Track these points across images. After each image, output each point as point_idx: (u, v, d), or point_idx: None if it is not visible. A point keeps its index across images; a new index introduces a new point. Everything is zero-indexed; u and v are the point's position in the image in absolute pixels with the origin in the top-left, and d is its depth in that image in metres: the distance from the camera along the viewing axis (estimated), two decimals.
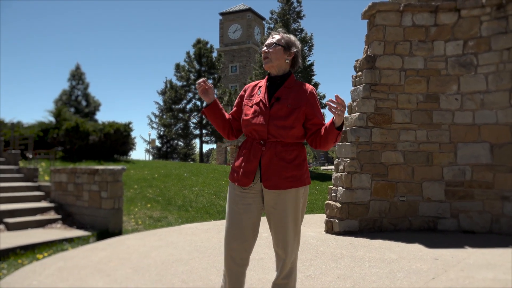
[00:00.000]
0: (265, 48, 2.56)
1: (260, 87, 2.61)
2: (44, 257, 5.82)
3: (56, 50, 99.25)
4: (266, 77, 2.65)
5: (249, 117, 2.52)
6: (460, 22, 6.34)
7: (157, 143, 42.64)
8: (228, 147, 47.96)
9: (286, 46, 2.56)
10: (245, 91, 2.69)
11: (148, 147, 43.75)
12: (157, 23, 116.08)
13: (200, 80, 2.55)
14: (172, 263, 4.33)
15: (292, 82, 2.57)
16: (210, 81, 32.81)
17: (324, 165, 53.60)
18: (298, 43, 2.63)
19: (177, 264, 4.30)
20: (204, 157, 35.63)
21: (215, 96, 2.62)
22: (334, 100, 2.27)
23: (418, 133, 6.34)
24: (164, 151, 42.77)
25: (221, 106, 2.63)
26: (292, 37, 2.63)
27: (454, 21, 6.37)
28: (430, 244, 5.24)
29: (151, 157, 43.28)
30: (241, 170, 2.50)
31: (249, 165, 2.47)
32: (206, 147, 58.54)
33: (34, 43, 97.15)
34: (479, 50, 6.25)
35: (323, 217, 7.23)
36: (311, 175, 19.33)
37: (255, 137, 2.50)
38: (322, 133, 2.45)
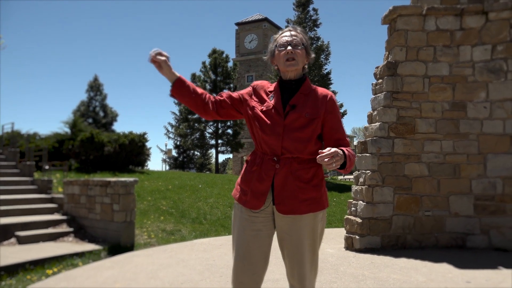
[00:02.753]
0: (290, 47, 2.15)
1: (271, 91, 2.24)
2: (54, 273, 5.62)
3: (73, 62, 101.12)
4: (278, 81, 2.28)
5: (259, 127, 2.15)
6: (488, 25, 5.96)
7: (174, 153, 42.81)
8: (244, 157, 47.78)
9: (306, 48, 2.22)
10: (254, 89, 2.29)
11: (164, 157, 43.94)
12: (173, 33, 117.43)
13: (151, 52, 2.18)
14: (181, 285, 4.04)
15: (308, 87, 2.21)
16: (225, 91, 32.80)
17: (341, 175, 52.81)
18: None
19: (186, 286, 4.00)
20: (220, 167, 35.49)
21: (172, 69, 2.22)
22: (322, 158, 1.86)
23: (444, 144, 5.95)
24: (180, 161, 42.85)
25: (188, 82, 2.25)
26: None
27: (482, 25, 5.99)
28: (460, 263, 4.84)
29: (167, 167, 43.40)
30: (251, 190, 2.16)
31: (260, 185, 2.12)
32: (222, 157, 58.45)
33: (51, 55, 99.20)
34: (509, 55, 5.84)
35: (342, 231, 6.87)
36: (328, 185, 18.86)
37: (265, 152, 2.15)
38: None
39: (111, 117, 39.95)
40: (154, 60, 2.18)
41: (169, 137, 40.41)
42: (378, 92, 6.19)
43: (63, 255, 6.59)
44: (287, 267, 2.21)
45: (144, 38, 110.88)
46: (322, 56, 21.17)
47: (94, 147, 14.67)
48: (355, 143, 53.55)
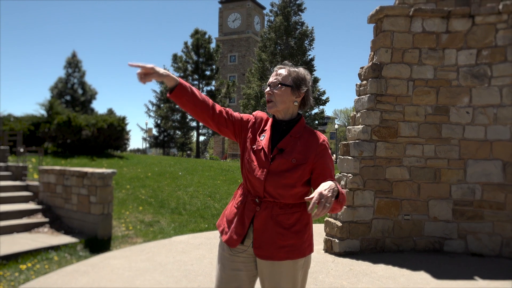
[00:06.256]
0: (268, 88, 2.11)
1: (265, 130, 2.16)
2: (28, 268, 5.46)
3: (52, 38, 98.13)
4: (272, 119, 2.20)
5: (247, 165, 2.10)
6: (474, 29, 5.90)
7: (154, 132, 42.29)
8: (226, 138, 47.61)
9: (294, 85, 2.09)
10: (255, 121, 2.20)
11: (145, 136, 43.41)
12: (156, 10, 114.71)
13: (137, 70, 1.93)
14: None
15: (300, 129, 2.11)
16: (208, 73, 32.17)
17: None
18: (308, 77, 2.17)
19: None
20: (201, 145, 35.20)
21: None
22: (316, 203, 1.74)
23: (426, 148, 5.94)
24: (161, 140, 42.39)
25: (188, 85, 2.05)
26: (301, 71, 2.15)
27: (468, 28, 5.93)
28: (437, 272, 4.88)
29: (147, 145, 42.95)
30: (232, 227, 2.11)
31: (240, 226, 2.08)
32: (203, 137, 58.15)
33: (29, 30, 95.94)
34: (493, 61, 5.82)
35: (321, 228, 6.87)
36: None
37: (249, 190, 2.10)
38: None
39: (90, 95, 39.05)
40: (141, 75, 1.95)
41: (149, 116, 39.85)
42: (362, 93, 6.11)
43: (38, 248, 6.42)
44: None
45: (126, 15, 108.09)
46: (306, 42, 20.94)
47: (71, 131, 14.28)
48: (336, 126, 53.83)
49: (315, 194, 1.75)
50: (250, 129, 2.17)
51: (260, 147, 2.09)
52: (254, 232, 2.05)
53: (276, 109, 2.10)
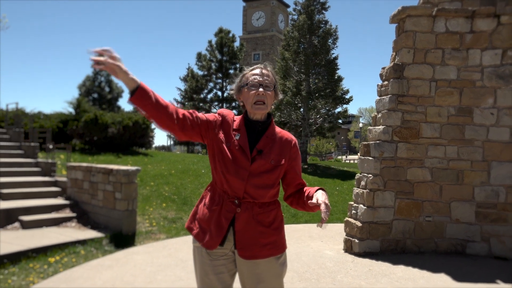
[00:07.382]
0: (261, 89, 2.05)
1: (236, 129, 2.10)
2: (56, 261, 5.68)
3: (81, 37, 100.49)
4: (243, 118, 2.14)
5: (223, 165, 2.04)
6: (500, 29, 5.80)
7: None
8: None
9: (276, 89, 2.13)
10: (223, 119, 2.14)
11: (169, 134, 43.95)
12: (181, 9, 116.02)
13: (100, 50, 1.80)
14: None
15: (273, 130, 2.14)
16: (231, 71, 32.37)
17: (345, 155, 52.69)
18: None
19: None
20: None
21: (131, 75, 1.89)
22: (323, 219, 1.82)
23: (448, 149, 5.87)
24: None
25: (150, 89, 1.91)
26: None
27: (493, 28, 5.82)
28: (458, 275, 4.84)
29: (172, 142, 43.50)
30: (210, 230, 2.09)
31: (218, 229, 2.06)
32: None
33: (58, 30, 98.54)
34: None
35: (341, 228, 6.88)
36: (331, 172, 18.70)
37: (226, 191, 2.07)
38: (304, 198, 2.07)
39: (117, 93, 39.89)
40: (108, 62, 1.80)
41: None
42: (384, 94, 6.08)
43: (65, 242, 6.65)
44: None
45: (151, 15, 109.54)
46: (329, 41, 20.79)
47: (98, 129, 14.67)
48: (360, 124, 53.24)
49: (322, 207, 1.82)
50: (220, 129, 2.11)
51: (237, 147, 2.05)
52: (236, 233, 2.06)
53: (266, 111, 2.10)
